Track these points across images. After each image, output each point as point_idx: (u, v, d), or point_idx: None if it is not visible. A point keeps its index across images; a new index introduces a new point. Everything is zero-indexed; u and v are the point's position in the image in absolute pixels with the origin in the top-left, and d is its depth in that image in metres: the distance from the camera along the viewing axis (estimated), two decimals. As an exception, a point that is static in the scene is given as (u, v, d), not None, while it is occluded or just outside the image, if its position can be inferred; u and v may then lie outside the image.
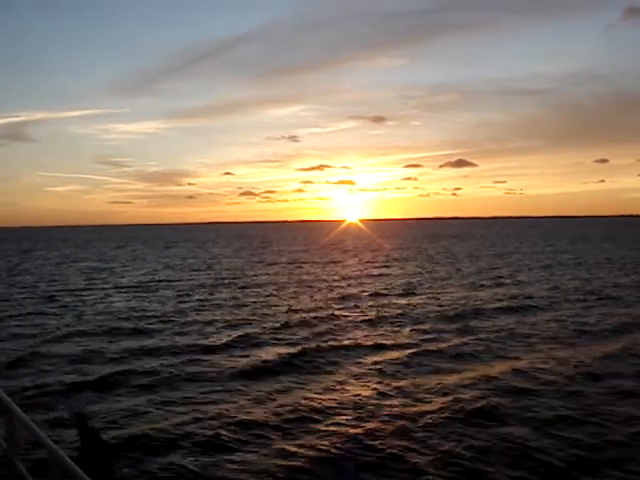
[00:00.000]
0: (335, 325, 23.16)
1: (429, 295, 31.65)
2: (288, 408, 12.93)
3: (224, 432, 11.51)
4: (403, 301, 29.51)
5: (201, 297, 32.22)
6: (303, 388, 14.64)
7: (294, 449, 10.68)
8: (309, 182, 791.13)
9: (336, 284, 38.15)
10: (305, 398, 13.70)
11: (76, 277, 45.76)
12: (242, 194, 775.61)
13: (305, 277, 43.30)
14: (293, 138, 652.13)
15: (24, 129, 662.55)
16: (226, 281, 40.91)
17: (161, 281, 41.71)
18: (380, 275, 43.90)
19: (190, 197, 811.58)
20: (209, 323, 23.90)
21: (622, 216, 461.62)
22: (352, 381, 15.23)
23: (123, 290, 36.43)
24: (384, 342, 19.82)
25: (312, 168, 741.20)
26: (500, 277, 40.22)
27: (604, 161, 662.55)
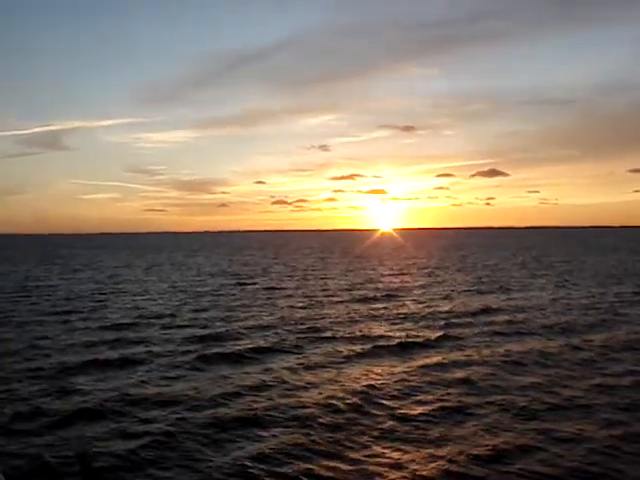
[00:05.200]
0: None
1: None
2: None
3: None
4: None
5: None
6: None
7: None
8: (341, 191, 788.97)
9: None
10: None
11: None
12: (274, 203, 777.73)
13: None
14: (323, 147, 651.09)
15: (59, 138, 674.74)
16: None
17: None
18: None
19: (223, 205, 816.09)
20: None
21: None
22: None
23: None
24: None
25: (344, 177, 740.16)
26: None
27: (638, 171, 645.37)
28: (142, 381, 15.31)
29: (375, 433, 11.36)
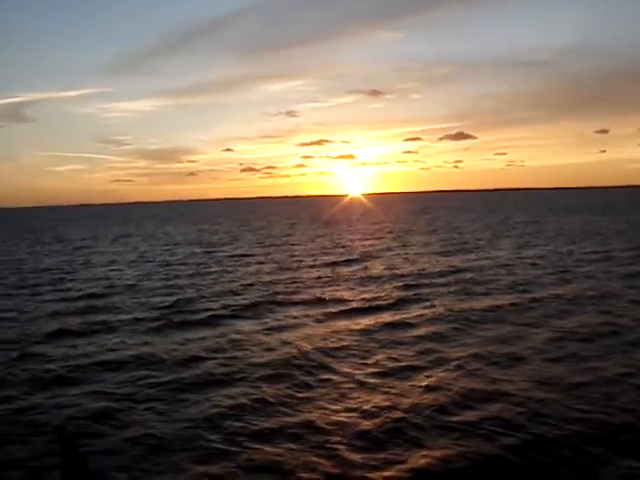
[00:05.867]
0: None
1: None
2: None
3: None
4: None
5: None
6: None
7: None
8: (309, 157, 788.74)
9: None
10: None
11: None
12: (243, 170, 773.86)
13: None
14: (290, 113, 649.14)
15: (23, 110, 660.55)
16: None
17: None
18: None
19: (191, 174, 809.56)
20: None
21: (625, 187, 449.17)
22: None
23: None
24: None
25: (312, 143, 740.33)
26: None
27: (604, 132, 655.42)
28: (109, 348, 15.50)
29: (335, 391, 11.77)
